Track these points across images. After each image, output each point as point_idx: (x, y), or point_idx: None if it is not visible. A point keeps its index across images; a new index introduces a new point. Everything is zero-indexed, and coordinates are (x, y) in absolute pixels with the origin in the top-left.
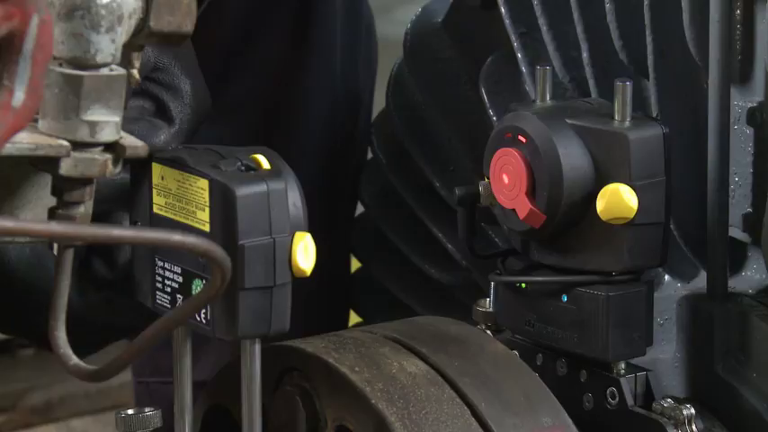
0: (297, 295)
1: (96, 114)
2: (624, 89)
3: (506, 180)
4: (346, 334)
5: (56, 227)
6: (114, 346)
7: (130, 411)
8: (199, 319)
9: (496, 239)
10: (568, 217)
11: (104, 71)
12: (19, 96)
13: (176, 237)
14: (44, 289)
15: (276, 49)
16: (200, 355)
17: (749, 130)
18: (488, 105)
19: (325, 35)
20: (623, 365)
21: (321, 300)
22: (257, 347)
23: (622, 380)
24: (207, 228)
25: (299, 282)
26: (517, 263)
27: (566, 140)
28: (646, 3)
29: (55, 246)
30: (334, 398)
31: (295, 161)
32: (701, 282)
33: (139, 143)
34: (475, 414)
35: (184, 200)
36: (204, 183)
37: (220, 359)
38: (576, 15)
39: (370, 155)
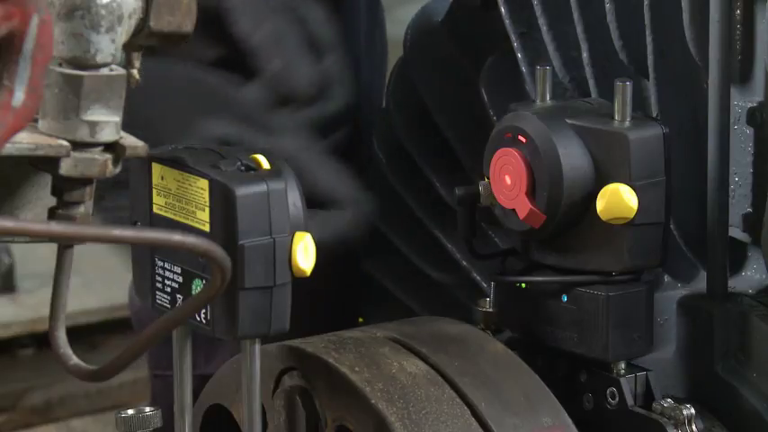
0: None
1: (96, 114)
2: (624, 89)
3: (506, 180)
4: (346, 334)
5: (56, 227)
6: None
7: (130, 411)
8: (199, 318)
9: (496, 239)
10: (568, 217)
11: (104, 71)
12: (19, 96)
13: (176, 237)
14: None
15: None
16: (216, 349)
17: (749, 130)
18: (488, 105)
19: (349, 34)
20: (623, 365)
21: (331, 301)
22: (257, 347)
23: (622, 380)
24: (207, 228)
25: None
26: (517, 263)
27: (566, 140)
28: (646, 3)
29: None
30: (333, 398)
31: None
32: (700, 282)
33: (139, 143)
34: (475, 414)
35: (184, 200)
36: (204, 183)
37: (236, 353)
38: (576, 15)
39: None
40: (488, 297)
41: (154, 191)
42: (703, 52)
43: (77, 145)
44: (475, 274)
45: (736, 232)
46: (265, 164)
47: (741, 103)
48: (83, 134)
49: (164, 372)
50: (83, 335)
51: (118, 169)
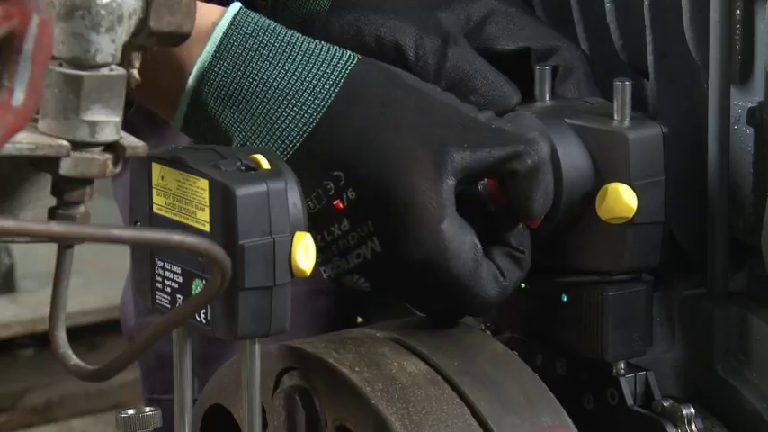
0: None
1: (96, 114)
2: (624, 89)
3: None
4: (346, 334)
5: (56, 227)
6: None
7: (130, 411)
8: (199, 319)
9: None
10: (568, 217)
11: (104, 71)
12: (19, 96)
13: (176, 237)
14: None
15: None
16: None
17: (749, 130)
18: None
19: None
20: (623, 365)
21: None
22: (257, 347)
23: (622, 380)
24: (207, 228)
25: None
26: None
27: (566, 140)
28: (646, 3)
29: None
30: (334, 398)
31: None
32: (701, 282)
33: (139, 143)
34: (475, 414)
35: (184, 200)
36: (204, 183)
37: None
38: (576, 15)
39: None
40: None
41: (154, 191)
42: (703, 52)
43: (77, 145)
44: None
45: (735, 232)
46: (265, 164)
47: (741, 103)
48: (83, 134)
49: (160, 396)
50: (83, 335)
51: (118, 169)
